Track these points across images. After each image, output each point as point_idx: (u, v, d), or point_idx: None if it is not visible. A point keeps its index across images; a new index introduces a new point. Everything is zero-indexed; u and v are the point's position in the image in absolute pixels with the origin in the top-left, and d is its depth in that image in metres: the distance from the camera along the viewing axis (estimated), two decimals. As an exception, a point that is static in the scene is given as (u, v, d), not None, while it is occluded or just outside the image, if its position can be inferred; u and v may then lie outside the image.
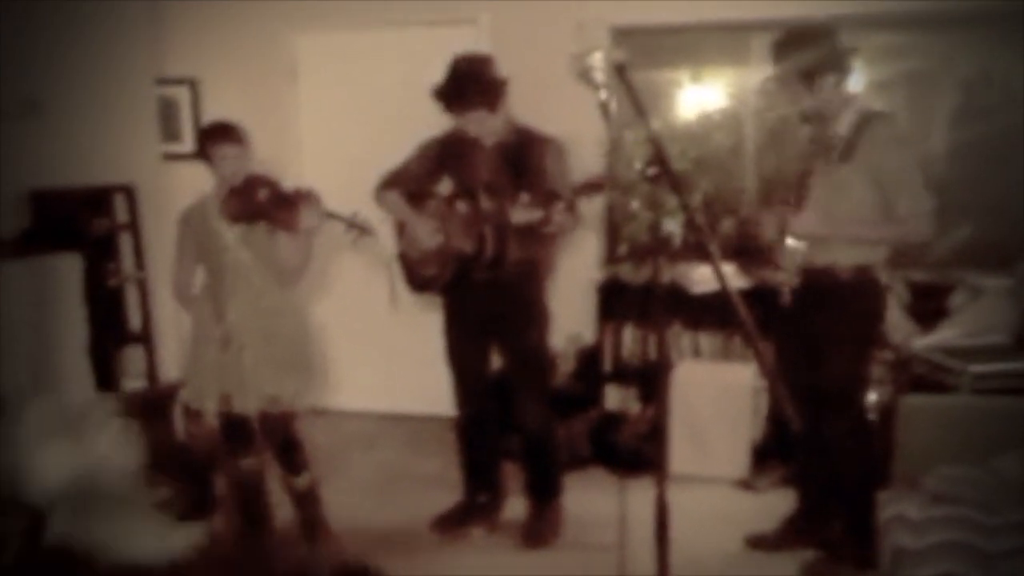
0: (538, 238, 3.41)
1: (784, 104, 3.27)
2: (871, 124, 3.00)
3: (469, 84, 3.32)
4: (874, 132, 2.98)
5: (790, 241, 3.09)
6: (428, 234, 3.51)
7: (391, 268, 3.66)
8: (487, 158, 3.46)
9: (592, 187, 3.23)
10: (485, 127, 3.40)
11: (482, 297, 3.49)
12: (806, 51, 3.03)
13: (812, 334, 3.13)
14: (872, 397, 3.84)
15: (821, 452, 3.24)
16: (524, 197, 3.26)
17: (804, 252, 3.08)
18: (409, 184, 3.60)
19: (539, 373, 3.68)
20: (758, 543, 3.46)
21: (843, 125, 3.04)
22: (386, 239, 3.69)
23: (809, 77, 3.03)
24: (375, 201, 3.65)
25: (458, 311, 3.62)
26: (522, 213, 3.27)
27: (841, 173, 3.03)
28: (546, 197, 3.20)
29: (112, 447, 1.03)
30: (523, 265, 3.48)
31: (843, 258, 3.08)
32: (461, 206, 3.45)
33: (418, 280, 3.62)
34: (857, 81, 4.39)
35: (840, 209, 3.04)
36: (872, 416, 3.77)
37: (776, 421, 4.08)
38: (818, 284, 3.08)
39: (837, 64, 3.06)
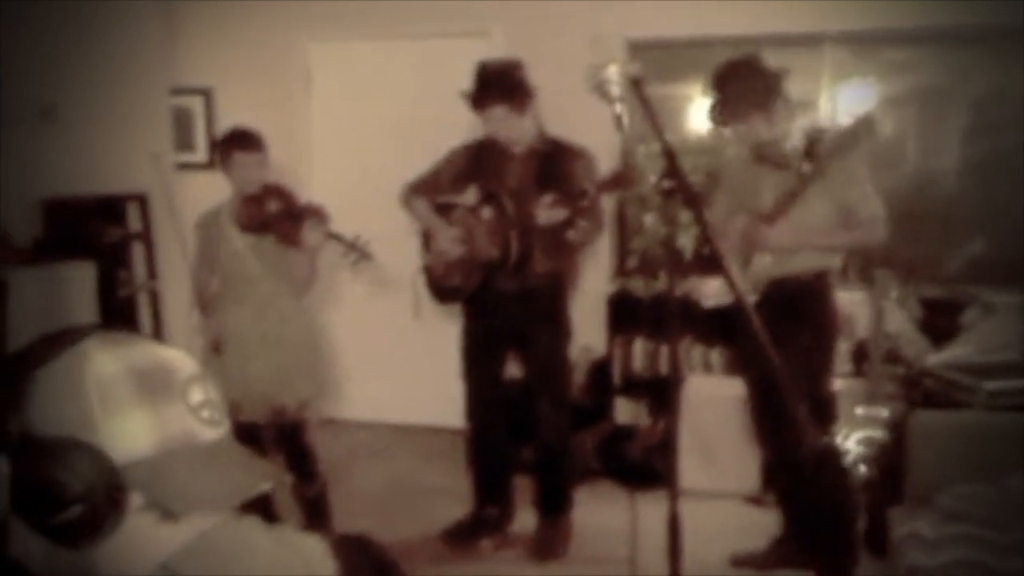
0: (563, 247, 3.41)
1: (736, 131, 3.30)
2: (822, 139, 3.07)
3: (492, 81, 3.35)
4: (827, 147, 3.04)
5: (756, 257, 3.13)
6: (452, 242, 3.51)
7: (415, 279, 3.65)
8: (516, 166, 3.46)
9: (616, 182, 3.22)
10: (508, 128, 3.40)
11: (506, 307, 3.49)
12: (745, 81, 3.12)
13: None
14: (884, 413, 3.82)
15: (791, 474, 3.20)
16: (548, 197, 3.26)
17: (768, 266, 3.12)
18: (437, 189, 3.60)
19: (560, 385, 3.67)
20: (744, 562, 3.40)
21: (795, 142, 3.13)
22: (401, 251, 3.70)
23: (757, 104, 3.11)
24: (402, 204, 3.66)
25: (480, 321, 3.61)
26: (547, 213, 3.27)
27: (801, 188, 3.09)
28: (571, 196, 3.20)
29: (200, 413, 0.97)
30: (548, 276, 3.47)
31: (802, 266, 3.14)
32: (487, 212, 3.45)
33: (443, 291, 3.62)
34: (869, 97, 4.43)
35: (803, 221, 3.10)
36: (880, 433, 3.75)
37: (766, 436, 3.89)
38: (775, 297, 3.08)
39: (776, 88, 3.13)
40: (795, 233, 3.10)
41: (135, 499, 0.88)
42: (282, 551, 1.01)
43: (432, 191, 3.61)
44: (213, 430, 0.95)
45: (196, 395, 0.94)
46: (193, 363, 0.97)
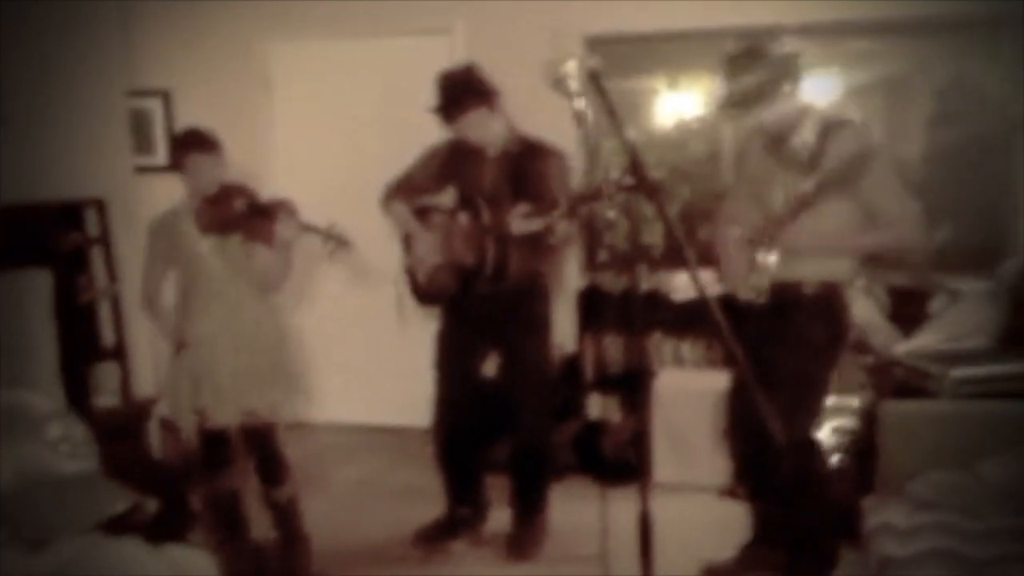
0: (540, 252, 3.39)
1: (740, 121, 3.13)
2: (835, 133, 2.85)
3: (462, 87, 3.32)
4: (840, 142, 2.82)
5: (760, 257, 2.91)
6: (430, 249, 3.48)
7: (397, 281, 3.62)
8: (490, 168, 3.43)
9: (592, 197, 3.19)
10: (485, 130, 3.36)
11: (487, 308, 3.45)
12: (759, 65, 2.90)
13: (769, 356, 2.87)
14: (854, 403, 3.83)
15: (770, 482, 3.10)
16: (522, 207, 3.23)
17: (775, 269, 2.90)
18: (414, 191, 3.57)
19: (541, 385, 3.64)
20: (715, 573, 3.30)
21: (805, 136, 2.90)
22: (369, 252, 3.65)
23: (764, 91, 2.90)
24: (382, 209, 3.63)
25: (460, 321, 3.58)
26: (522, 223, 3.23)
27: (811, 187, 2.83)
28: (547, 205, 3.16)
29: (58, 448, 1.05)
30: (527, 277, 3.44)
31: (808, 273, 2.93)
32: (463, 218, 3.41)
33: (425, 294, 3.58)
34: (833, 87, 4.44)
35: (820, 225, 2.86)
36: (851, 422, 3.76)
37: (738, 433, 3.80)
38: (781, 303, 2.92)
39: (789, 73, 2.93)
40: (811, 234, 2.87)
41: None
42: (160, 569, 1.06)
43: (409, 193, 3.59)
44: (73, 463, 1.03)
45: (53, 432, 1.03)
46: (49, 403, 1.05)
